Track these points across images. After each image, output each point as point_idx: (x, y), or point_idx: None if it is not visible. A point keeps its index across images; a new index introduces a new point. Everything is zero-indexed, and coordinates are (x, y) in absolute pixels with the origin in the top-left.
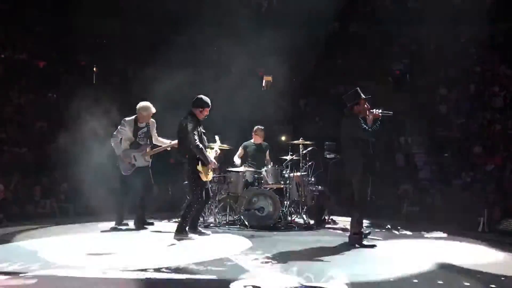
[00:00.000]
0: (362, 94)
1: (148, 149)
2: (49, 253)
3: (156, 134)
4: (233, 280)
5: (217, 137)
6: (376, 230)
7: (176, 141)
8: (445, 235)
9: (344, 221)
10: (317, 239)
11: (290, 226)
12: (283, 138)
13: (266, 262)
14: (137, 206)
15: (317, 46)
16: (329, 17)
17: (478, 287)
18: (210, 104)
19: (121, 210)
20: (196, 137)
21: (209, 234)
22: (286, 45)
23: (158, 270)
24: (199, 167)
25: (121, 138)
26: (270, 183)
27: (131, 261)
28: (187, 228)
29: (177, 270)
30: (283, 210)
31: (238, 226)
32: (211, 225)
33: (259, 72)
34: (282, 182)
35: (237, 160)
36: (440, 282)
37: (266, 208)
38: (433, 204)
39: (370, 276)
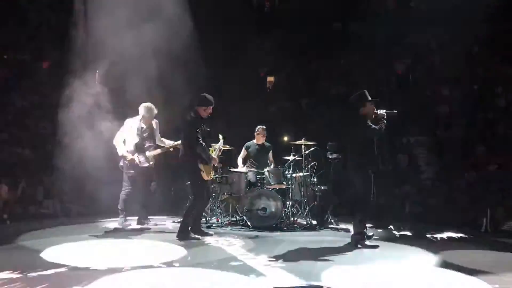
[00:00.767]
0: (368, 97)
1: (151, 150)
2: (52, 254)
3: (159, 135)
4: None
5: (220, 136)
6: (378, 230)
7: (178, 142)
8: (447, 235)
9: (347, 222)
10: (320, 239)
11: (292, 227)
12: (285, 138)
13: (271, 262)
14: (140, 206)
15: (319, 46)
16: (331, 17)
17: None
18: (213, 102)
19: (124, 209)
20: (199, 136)
21: (212, 234)
22: (287, 45)
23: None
24: (201, 166)
25: (124, 139)
26: (273, 183)
27: (134, 260)
28: (190, 228)
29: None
30: (285, 211)
31: (240, 226)
32: (214, 225)
33: (260, 73)
34: (285, 183)
35: (240, 162)
36: (442, 282)
37: (268, 209)
38: (435, 204)
39: (372, 276)
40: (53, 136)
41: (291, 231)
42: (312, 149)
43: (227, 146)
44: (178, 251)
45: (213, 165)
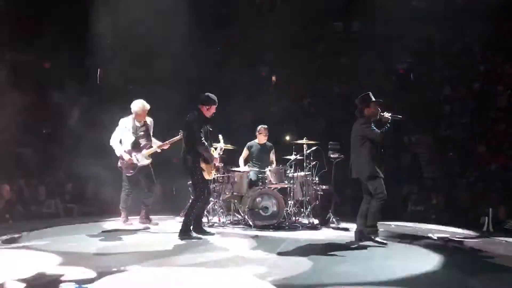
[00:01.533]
0: (373, 98)
1: (147, 148)
2: (54, 253)
3: (151, 134)
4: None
5: (220, 136)
6: (380, 229)
7: (174, 138)
8: (449, 234)
9: (348, 221)
10: (322, 238)
11: (294, 226)
12: (287, 137)
13: (273, 261)
14: (141, 206)
15: (320, 45)
16: (333, 16)
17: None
18: (216, 101)
19: (126, 209)
20: (201, 135)
21: (213, 234)
22: (289, 44)
23: (165, 266)
24: (202, 165)
25: (120, 139)
26: (274, 182)
27: (135, 260)
28: (191, 228)
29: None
30: (287, 210)
31: (242, 226)
32: (216, 224)
33: (262, 72)
34: (286, 182)
35: (242, 162)
36: (444, 282)
37: (270, 208)
38: (437, 203)
39: (375, 275)
40: (55, 136)
41: (292, 231)
42: (313, 148)
43: (229, 145)
44: (180, 250)
45: (215, 164)
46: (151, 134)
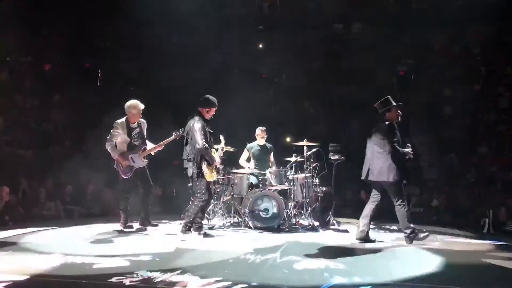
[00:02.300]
0: (393, 101)
1: (143, 149)
2: (54, 255)
3: (146, 136)
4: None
5: (221, 137)
6: (380, 231)
7: (169, 139)
8: (450, 236)
9: (348, 222)
10: (322, 240)
11: (294, 228)
12: (287, 139)
13: (273, 263)
14: (140, 208)
15: (321, 47)
16: (333, 18)
17: None
18: (216, 104)
19: (125, 212)
20: (202, 137)
21: (213, 236)
22: (290, 46)
23: (165, 271)
24: (204, 167)
25: (116, 141)
26: (275, 184)
27: (134, 261)
28: (192, 229)
29: (188, 271)
30: (287, 212)
31: (242, 227)
32: (216, 226)
33: (262, 74)
34: (286, 184)
35: (244, 164)
36: (444, 283)
37: (270, 210)
38: (438, 205)
39: (376, 277)
40: (56, 138)
41: (293, 232)
42: (314, 150)
43: (229, 147)
44: (179, 252)
45: (216, 166)
46: (145, 135)
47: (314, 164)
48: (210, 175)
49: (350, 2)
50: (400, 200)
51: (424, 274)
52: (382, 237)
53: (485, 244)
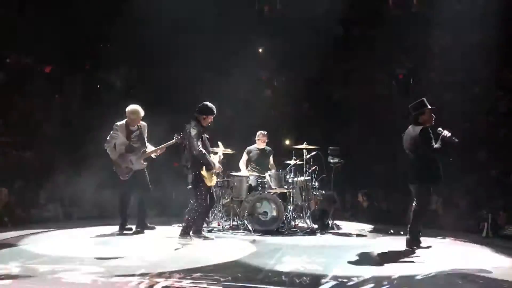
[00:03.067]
0: (427, 104)
1: (142, 152)
2: (52, 257)
3: (146, 139)
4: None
5: (220, 143)
6: (379, 235)
7: (169, 142)
8: (449, 240)
9: (348, 226)
10: (321, 244)
11: (293, 231)
12: (286, 142)
13: (271, 266)
14: (138, 210)
15: (320, 50)
16: (333, 21)
17: None
18: (214, 111)
19: (124, 214)
20: (199, 143)
21: (213, 239)
22: (289, 48)
23: (164, 275)
24: (203, 172)
25: (115, 143)
26: (274, 187)
27: (133, 264)
28: (191, 233)
29: (187, 274)
30: (286, 215)
31: (241, 230)
32: (215, 229)
33: (262, 77)
34: (286, 187)
35: (242, 166)
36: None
37: (269, 213)
38: (436, 208)
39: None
40: (55, 140)
41: (292, 236)
42: (313, 153)
43: (228, 150)
44: (178, 255)
45: (215, 171)
46: (146, 138)
47: (314, 167)
48: (209, 180)
49: (350, 4)
50: (420, 204)
51: (425, 276)
52: (382, 239)
53: (484, 247)
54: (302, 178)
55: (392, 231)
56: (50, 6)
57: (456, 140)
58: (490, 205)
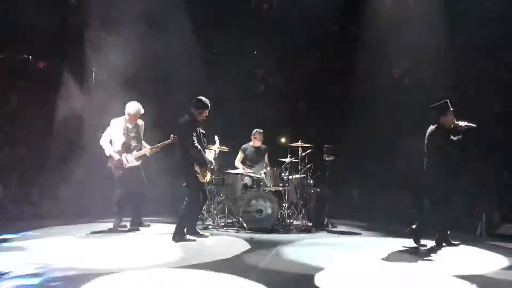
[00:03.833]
0: (451, 107)
1: (138, 150)
2: (46, 254)
3: (142, 137)
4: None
5: (216, 138)
6: (374, 233)
7: (166, 142)
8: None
9: (342, 224)
10: (316, 241)
11: (288, 229)
12: (282, 140)
13: (266, 264)
14: (132, 207)
15: (316, 48)
16: (329, 19)
17: None
18: (209, 105)
19: (119, 211)
20: (194, 138)
21: (207, 236)
22: (285, 47)
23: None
24: (197, 168)
25: (111, 139)
26: (269, 185)
27: (128, 262)
28: (185, 230)
29: (181, 270)
30: (281, 213)
31: (236, 228)
32: (210, 227)
33: (258, 74)
34: (281, 185)
35: (238, 164)
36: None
37: (264, 211)
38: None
39: (367, 278)
40: (49, 136)
41: (287, 233)
42: (308, 151)
43: (224, 147)
44: (173, 252)
45: (210, 167)
46: (142, 136)
47: (309, 165)
48: (203, 176)
49: (346, 3)
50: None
51: (420, 276)
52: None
53: (478, 246)
54: (297, 176)
55: (386, 229)
56: None
57: (474, 125)
58: (484, 204)
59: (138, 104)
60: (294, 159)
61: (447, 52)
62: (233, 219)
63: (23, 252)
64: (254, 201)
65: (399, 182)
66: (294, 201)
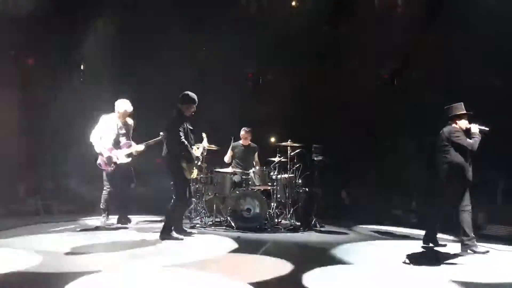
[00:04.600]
0: (464, 110)
1: (127, 147)
2: (31, 252)
3: (131, 135)
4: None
5: (204, 135)
6: (362, 233)
7: (156, 139)
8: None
9: (331, 224)
10: (304, 241)
11: (276, 228)
12: (271, 139)
13: (253, 263)
14: (120, 204)
15: (306, 49)
16: (319, 20)
17: None
18: (196, 100)
19: (106, 208)
20: (181, 134)
21: (194, 234)
22: (275, 47)
23: (145, 266)
24: (184, 164)
25: (100, 136)
26: (258, 184)
27: (114, 260)
28: (172, 228)
29: (168, 269)
30: (270, 212)
31: (224, 227)
32: (197, 225)
33: (248, 74)
34: (270, 184)
35: (227, 160)
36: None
37: (253, 210)
38: (417, 207)
39: (353, 277)
40: (36, 133)
41: (275, 233)
42: (297, 151)
43: (212, 146)
44: (160, 251)
45: (196, 163)
46: (131, 135)
47: (298, 165)
48: (189, 172)
49: (337, 3)
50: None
51: (412, 276)
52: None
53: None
54: (286, 175)
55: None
56: None
57: (487, 128)
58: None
59: (128, 102)
60: (283, 158)
61: (438, 52)
62: (221, 218)
63: (8, 249)
64: (242, 200)
65: (387, 183)
66: (283, 200)
